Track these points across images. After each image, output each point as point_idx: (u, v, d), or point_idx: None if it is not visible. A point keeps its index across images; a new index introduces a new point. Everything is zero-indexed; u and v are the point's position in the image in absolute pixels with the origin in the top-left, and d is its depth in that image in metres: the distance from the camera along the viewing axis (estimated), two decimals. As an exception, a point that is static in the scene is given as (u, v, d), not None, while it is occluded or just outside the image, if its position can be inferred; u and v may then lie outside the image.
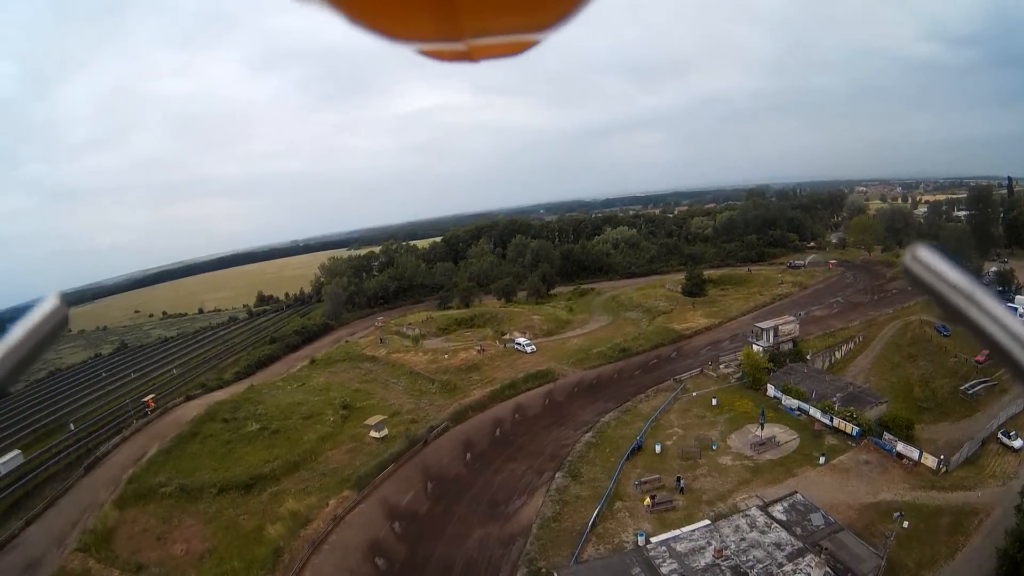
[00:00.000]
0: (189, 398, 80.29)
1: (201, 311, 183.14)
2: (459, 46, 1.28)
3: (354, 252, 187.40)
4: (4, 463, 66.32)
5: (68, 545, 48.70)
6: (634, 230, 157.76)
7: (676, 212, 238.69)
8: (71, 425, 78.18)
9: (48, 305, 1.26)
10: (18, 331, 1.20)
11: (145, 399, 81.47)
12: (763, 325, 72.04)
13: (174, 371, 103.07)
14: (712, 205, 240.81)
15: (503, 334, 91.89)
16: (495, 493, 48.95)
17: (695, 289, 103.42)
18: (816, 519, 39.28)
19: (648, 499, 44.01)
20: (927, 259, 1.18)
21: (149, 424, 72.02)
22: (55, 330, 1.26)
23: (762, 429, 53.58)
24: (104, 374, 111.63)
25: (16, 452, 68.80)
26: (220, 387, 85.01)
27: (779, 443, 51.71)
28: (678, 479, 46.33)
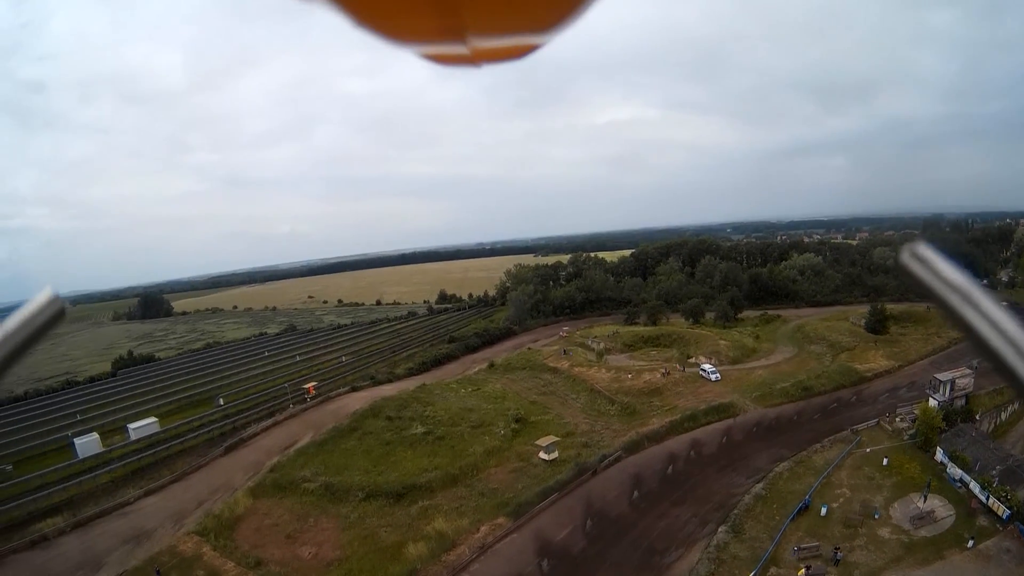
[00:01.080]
0: (354, 389, 77.89)
1: (379, 302, 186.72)
2: (462, 49, 1.29)
3: (541, 259, 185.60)
4: (137, 428, 67.17)
5: (185, 525, 46.73)
6: (819, 257, 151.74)
7: (857, 239, 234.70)
8: (220, 400, 78.77)
9: (43, 298, 1.27)
10: (12, 323, 1.21)
11: (307, 385, 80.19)
12: (941, 377, 64.71)
13: (343, 359, 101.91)
14: (891, 233, 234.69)
15: (688, 357, 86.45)
16: (655, 540, 44.24)
17: (877, 326, 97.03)
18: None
19: (803, 570, 40.38)
20: (926, 257, 1.16)
21: (305, 411, 70.42)
22: (49, 323, 1.26)
23: (924, 501, 48.68)
24: (267, 353, 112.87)
25: (152, 419, 69.34)
26: (389, 381, 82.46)
27: (936, 519, 46.71)
28: (836, 550, 42.19)
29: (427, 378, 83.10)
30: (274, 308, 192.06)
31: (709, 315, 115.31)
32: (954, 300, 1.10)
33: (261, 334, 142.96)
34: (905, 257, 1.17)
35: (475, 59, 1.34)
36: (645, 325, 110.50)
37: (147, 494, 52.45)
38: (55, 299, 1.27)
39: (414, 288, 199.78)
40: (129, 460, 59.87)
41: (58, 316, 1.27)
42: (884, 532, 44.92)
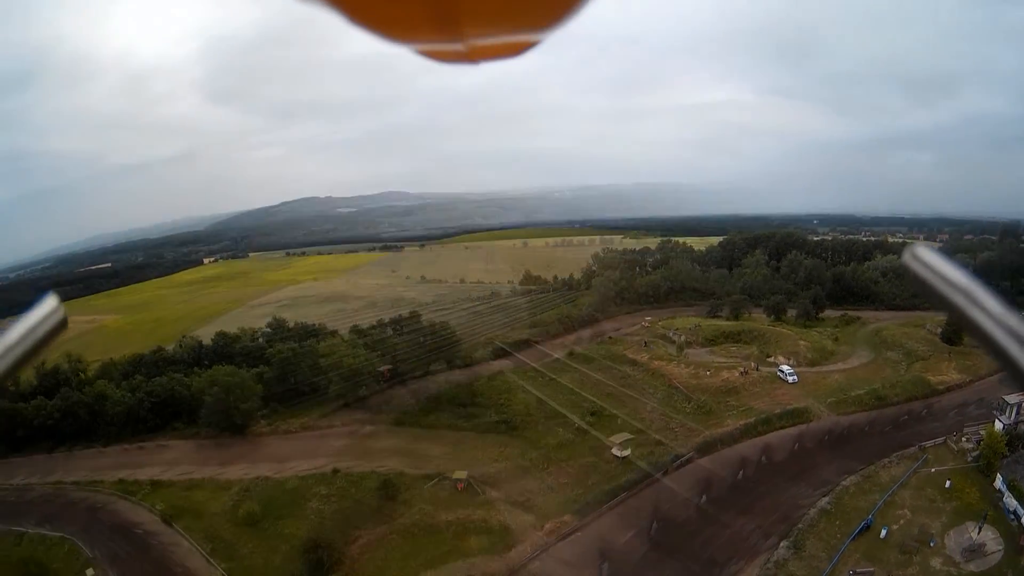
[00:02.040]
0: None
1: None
2: (458, 47, 1.31)
3: (629, 241, 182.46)
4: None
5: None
6: (901, 259, 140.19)
7: (938, 241, 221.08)
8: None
9: (47, 307, 1.31)
10: (16, 331, 1.24)
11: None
12: (1010, 399, 61.08)
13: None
14: (970, 238, 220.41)
15: (767, 356, 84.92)
16: (716, 551, 43.77)
17: (953, 336, 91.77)
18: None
19: (855, 596, 39.59)
20: (928, 258, 1.18)
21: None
22: (52, 331, 1.30)
23: (978, 532, 46.73)
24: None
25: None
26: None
27: (986, 552, 45.04)
28: (889, 577, 41.51)
29: (504, 364, 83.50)
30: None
31: (790, 312, 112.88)
32: (959, 301, 1.11)
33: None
34: (908, 259, 1.19)
35: (471, 56, 1.38)
36: (727, 319, 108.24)
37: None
38: (57, 308, 1.31)
39: (502, 267, 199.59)
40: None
41: (60, 326, 1.31)
42: (936, 562, 43.87)
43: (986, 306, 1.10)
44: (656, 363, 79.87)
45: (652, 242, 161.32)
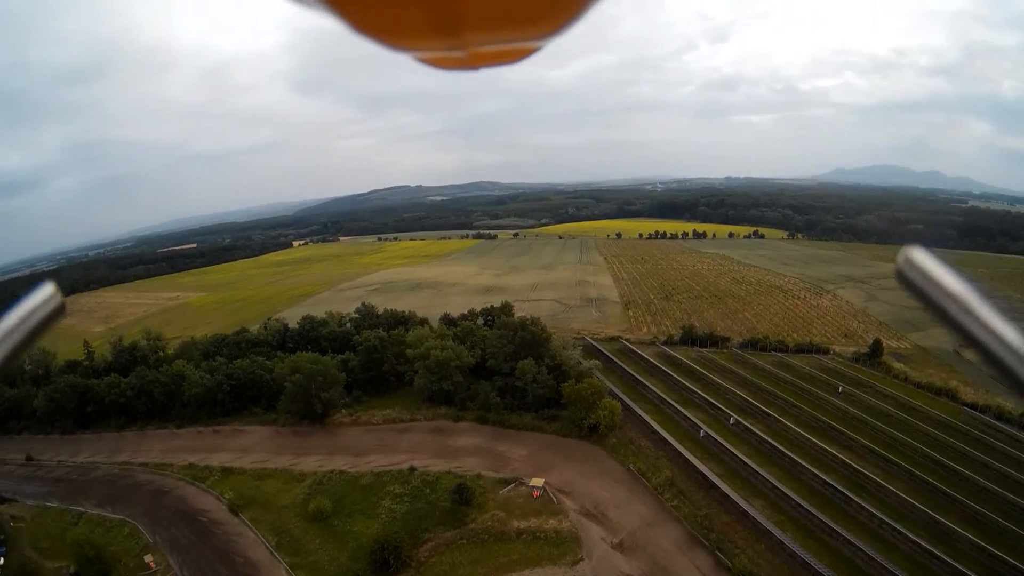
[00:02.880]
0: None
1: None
2: (459, 54, 1.32)
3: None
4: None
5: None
6: None
7: None
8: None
9: (44, 293, 1.30)
10: (12, 318, 1.24)
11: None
12: None
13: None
14: None
15: None
16: None
17: None
18: None
19: None
20: (922, 262, 1.16)
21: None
22: (49, 318, 1.29)
23: None
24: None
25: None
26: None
27: None
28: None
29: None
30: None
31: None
32: (951, 307, 1.09)
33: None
34: (901, 263, 1.15)
35: (472, 63, 1.38)
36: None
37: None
38: (54, 295, 1.29)
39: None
40: None
41: (58, 311, 1.29)
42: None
43: (981, 313, 1.08)
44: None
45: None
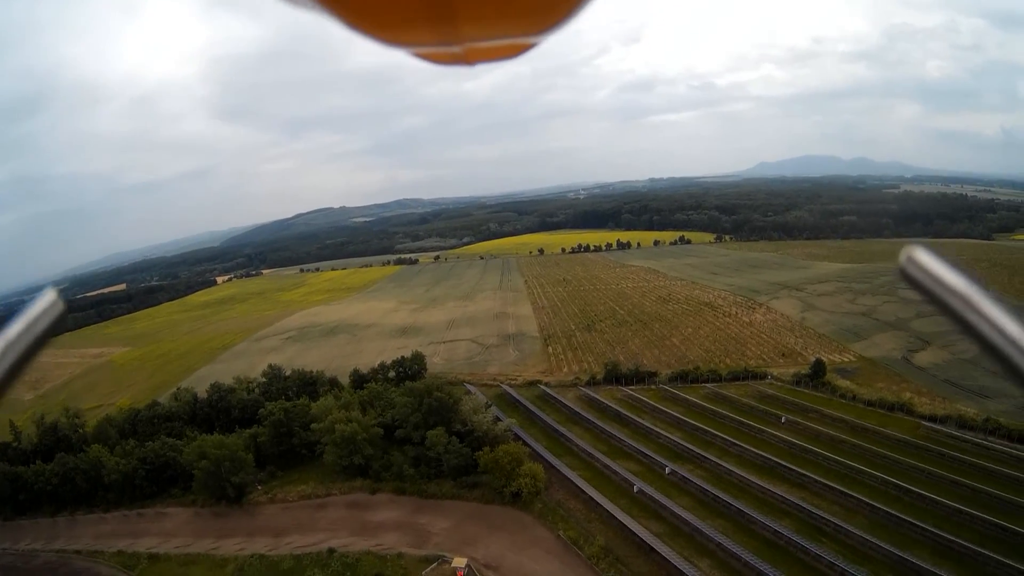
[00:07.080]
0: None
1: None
2: (455, 50, 1.33)
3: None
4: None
5: None
6: None
7: None
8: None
9: (46, 301, 1.28)
10: (16, 328, 1.21)
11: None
12: None
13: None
14: None
15: None
16: None
17: None
18: None
19: None
20: (924, 261, 1.17)
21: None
22: (53, 326, 1.27)
23: None
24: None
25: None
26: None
27: None
28: None
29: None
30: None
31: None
32: (956, 304, 1.09)
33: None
34: (904, 262, 1.16)
35: (468, 59, 1.39)
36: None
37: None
38: (56, 302, 1.27)
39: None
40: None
41: (61, 319, 1.27)
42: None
43: (984, 309, 1.08)
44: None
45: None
